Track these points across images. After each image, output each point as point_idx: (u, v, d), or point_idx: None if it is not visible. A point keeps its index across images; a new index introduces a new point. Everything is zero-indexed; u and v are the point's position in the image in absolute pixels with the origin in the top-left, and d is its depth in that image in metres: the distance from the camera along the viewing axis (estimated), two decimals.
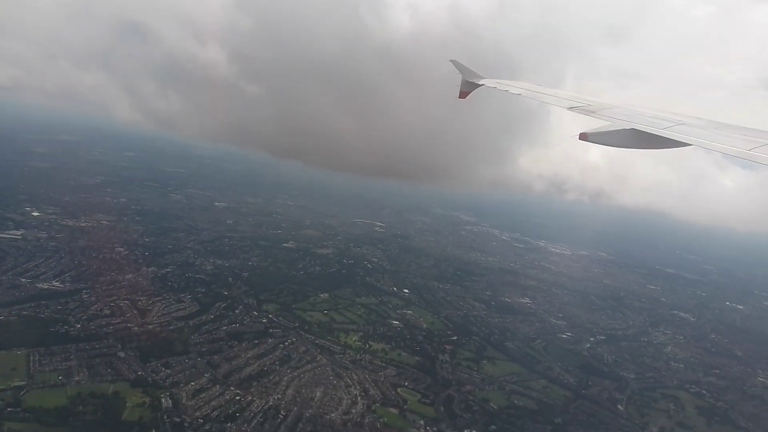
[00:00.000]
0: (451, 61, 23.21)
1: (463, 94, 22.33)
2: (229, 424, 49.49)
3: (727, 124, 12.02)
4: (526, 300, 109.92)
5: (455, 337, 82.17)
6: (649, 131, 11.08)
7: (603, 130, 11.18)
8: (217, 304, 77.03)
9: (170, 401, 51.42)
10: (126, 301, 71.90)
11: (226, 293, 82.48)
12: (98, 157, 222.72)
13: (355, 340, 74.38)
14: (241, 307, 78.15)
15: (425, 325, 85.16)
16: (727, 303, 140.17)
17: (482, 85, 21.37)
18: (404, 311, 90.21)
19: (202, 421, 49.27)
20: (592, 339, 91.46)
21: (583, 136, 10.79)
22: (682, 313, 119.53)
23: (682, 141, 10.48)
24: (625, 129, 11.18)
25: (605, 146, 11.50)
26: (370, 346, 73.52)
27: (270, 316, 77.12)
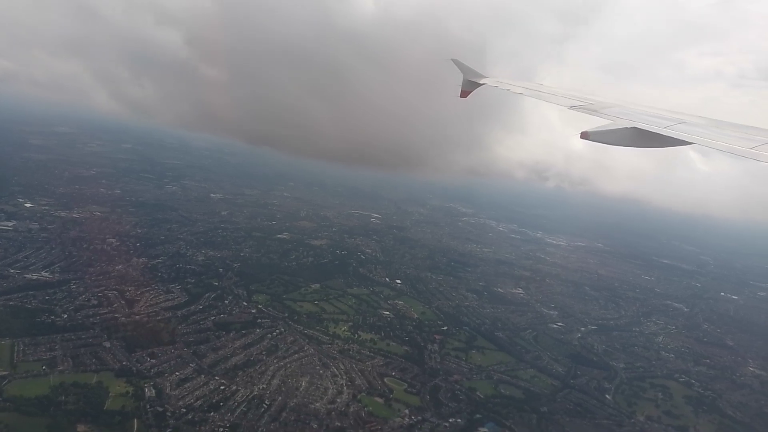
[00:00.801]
0: (452, 60, 23.14)
1: (464, 93, 22.50)
2: (212, 414, 49.62)
3: (727, 122, 12.27)
4: (519, 290, 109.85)
5: (445, 328, 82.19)
6: (650, 130, 11.24)
7: (604, 128, 11.32)
8: (207, 295, 77.08)
9: (154, 391, 51.55)
10: (114, 292, 71.96)
11: (216, 284, 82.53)
12: (95, 149, 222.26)
13: (344, 330, 74.45)
14: (230, 297, 78.20)
15: (416, 316, 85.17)
16: (722, 294, 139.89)
17: (483, 84, 21.52)
18: (396, 302, 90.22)
19: (185, 410, 49.39)
20: (583, 329, 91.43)
21: (585, 135, 10.87)
22: (675, 304, 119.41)
23: (684, 140, 10.67)
24: (626, 127, 11.33)
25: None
26: (359, 336, 73.59)
27: (259, 306, 77.16)
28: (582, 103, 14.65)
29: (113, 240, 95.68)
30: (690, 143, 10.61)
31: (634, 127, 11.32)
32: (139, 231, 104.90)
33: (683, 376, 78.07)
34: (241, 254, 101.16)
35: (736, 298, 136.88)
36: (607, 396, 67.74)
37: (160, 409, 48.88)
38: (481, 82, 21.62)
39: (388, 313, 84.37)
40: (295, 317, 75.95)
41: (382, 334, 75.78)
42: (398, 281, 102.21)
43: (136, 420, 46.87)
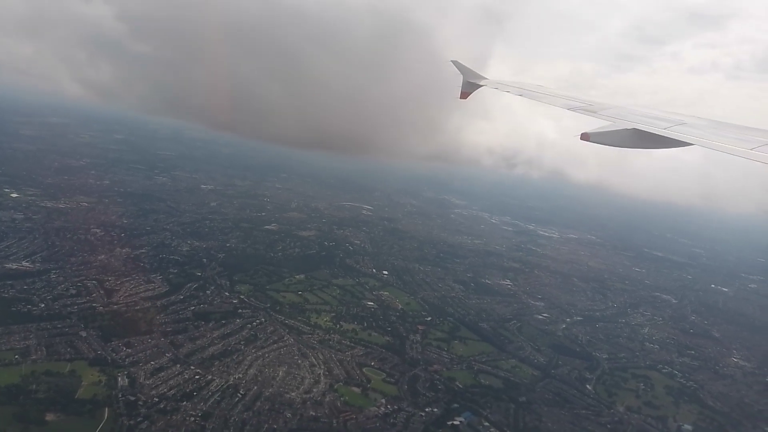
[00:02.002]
0: (452, 61, 23.23)
1: (464, 95, 22.62)
2: (184, 403, 49.37)
3: (727, 123, 12.39)
4: (507, 282, 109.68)
5: (429, 318, 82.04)
6: (650, 131, 11.34)
7: (604, 130, 11.44)
8: (188, 285, 76.72)
9: (127, 380, 51.28)
10: (94, 282, 71.54)
11: (199, 274, 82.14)
12: (87, 140, 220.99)
13: (326, 321, 74.20)
14: (212, 287, 77.84)
15: (400, 306, 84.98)
16: (713, 285, 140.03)
17: (483, 85, 21.64)
18: (381, 292, 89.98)
19: (157, 399, 49.14)
20: (568, 320, 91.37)
21: (585, 137, 10.94)
22: (664, 295, 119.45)
23: (683, 141, 10.71)
24: (626, 129, 11.45)
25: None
26: (341, 326, 73.38)
27: (242, 296, 76.82)
28: (581, 105, 14.89)
29: (98, 230, 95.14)
30: (689, 144, 10.67)
31: (634, 129, 11.44)
32: (125, 221, 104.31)
33: (666, 366, 78.11)
34: (227, 245, 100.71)
35: (726, 290, 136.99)
36: (587, 386, 67.71)
37: (132, 398, 48.62)
38: (480, 83, 21.77)
39: (372, 303, 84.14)
40: (277, 307, 75.64)
41: (365, 324, 75.55)
42: (385, 272, 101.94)
43: (107, 409, 46.62)
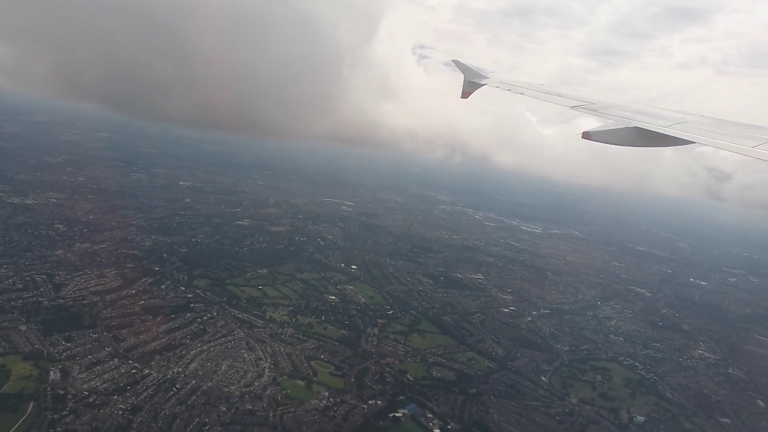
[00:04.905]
0: (453, 61, 23.48)
1: (465, 94, 22.74)
2: (115, 397, 48.35)
3: (727, 121, 12.48)
4: (479, 276, 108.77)
5: (391, 312, 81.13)
6: (651, 129, 11.39)
7: (606, 128, 11.52)
8: (143, 280, 75.64)
9: (59, 374, 50.22)
10: (44, 276, 70.43)
11: (156, 269, 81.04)
12: (69, 138, 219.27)
13: (282, 315, 73.20)
14: (168, 282, 76.76)
15: (363, 300, 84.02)
16: (692, 279, 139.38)
17: (484, 84, 21.78)
18: (345, 286, 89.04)
19: (87, 393, 48.07)
20: (534, 313, 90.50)
21: (587, 135, 10.96)
22: (638, 289, 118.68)
23: (685, 139, 10.78)
24: (628, 127, 11.51)
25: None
26: (297, 320, 72.40)
27: (197, 291, 75.76)
28: (583, 103, 15.08)
29: (60, 226, 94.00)
30: (691, 142, 10.67)
31: (636, 127, 11.49)
32: (91, 217, 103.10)
33: (628, 359, 77.28)
34: (193, 240, 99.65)
35: (704, 284, 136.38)
36: (542, 378, 66.81)
37: (61, 392, 47.57)
38: (482, 82, 21.93)
39: (334, 297, 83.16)
40: (234, 302, 74.61)
41: (323, 318, 74.56)
42: (353, 267, 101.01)
43: (32, 403, 45.56)
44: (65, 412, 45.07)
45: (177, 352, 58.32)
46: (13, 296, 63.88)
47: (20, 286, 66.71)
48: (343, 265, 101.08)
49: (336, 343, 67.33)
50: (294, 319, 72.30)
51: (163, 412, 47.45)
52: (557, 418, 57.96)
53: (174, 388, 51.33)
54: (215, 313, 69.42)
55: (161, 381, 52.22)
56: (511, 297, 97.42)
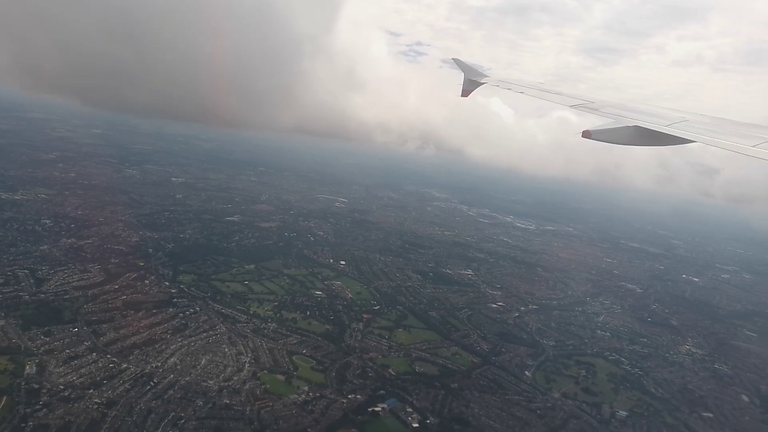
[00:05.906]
0: (453, 59, 23.39)
1: (465, 93, 22.82)
2: (91, 391, 48.09)
3: (728, 120, 12.45)
4: (468, 271, 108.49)
5: (378, 307, 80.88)
6: (651, 128, 11.38)
7: (606, 127, 11.54)
8: (127, 275, 75.29)
9: (35, 368, 49.94)
10: (26, 271, 70.10)
11: (141, 264, 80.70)
12: (64, 134, 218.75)
13: (266, 310, 72.91)
14: (152, 277, 76.43)
15: (350, 296, 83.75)
16: (684, 276, 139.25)
17: (484, 83, 21.79)
18: (333, 282, 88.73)
19: (63, 387, 47.83)
20: (522, 308, 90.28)
21: (587, 134, 10.95)
22: (629, 285, 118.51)
23: (685, 138, 10.75)
24: (628, 126, 11.52)
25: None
26: (281, 315, 72.10)
27: (182, 286, 75.43)
28: (583, 102, 15.16)
29: (47, 221, 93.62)
30: (692, 141, 10.64)
31: (636, 126, 11.49)
32: (80, 213, 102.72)
33: (614, 354, 77.13)
34: (181, 236, 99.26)
35: (696, 280, 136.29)
36: (526, 373, 66.62)
37: (36, 386, 47.31)
38: (482, 81, 21.93)
39: (320, 293, 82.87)
40: (218, 297, 74.31)
41: (307, 313, 74.27)
42: (342, 262, 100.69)
43: (5, 397, 45.30)
44: (38, 407, 44.79)
45: (157, 346, 58.04)
46: None
47: (1, 281, 66.40)
48: (332, 260, 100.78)
49: (319, 338, 67.07)
50: (278, 315, 72.00)
51: (139, 407, 47.18)
52: (538, 412, 57.77)
53: (151, 383, 51.06)
54: (198, 308, 69.14)
55: (139, 375, 51.95)
56: (500, 293, 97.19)
